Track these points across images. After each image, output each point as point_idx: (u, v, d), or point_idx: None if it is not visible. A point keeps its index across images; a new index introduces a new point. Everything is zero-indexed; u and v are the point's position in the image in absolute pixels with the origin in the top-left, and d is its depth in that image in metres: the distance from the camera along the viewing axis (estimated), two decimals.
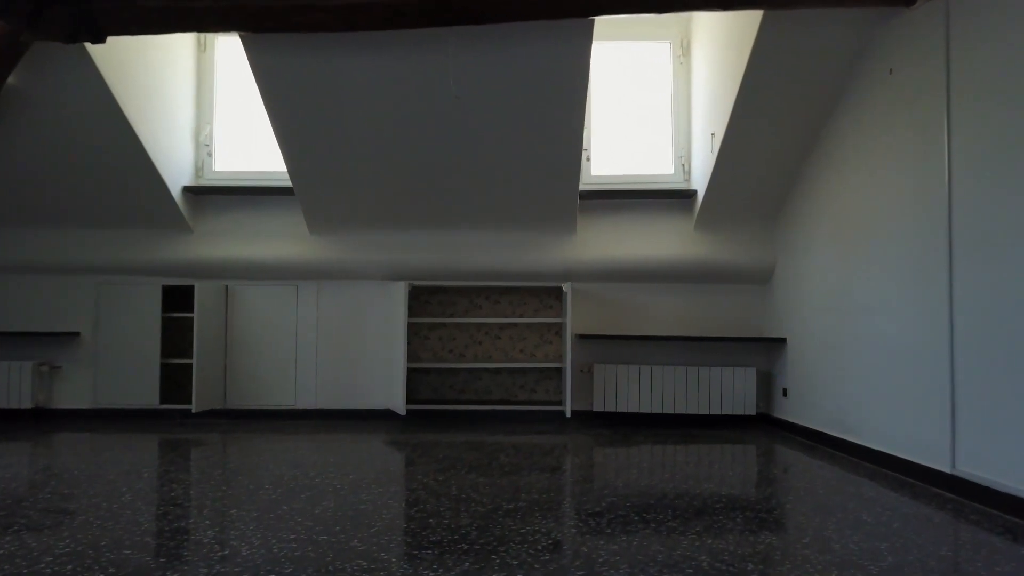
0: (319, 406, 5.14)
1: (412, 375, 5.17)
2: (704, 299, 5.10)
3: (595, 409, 4.90)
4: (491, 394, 5.18)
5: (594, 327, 5.10)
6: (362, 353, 5.16)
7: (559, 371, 5.18)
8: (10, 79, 4.17)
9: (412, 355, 5.17)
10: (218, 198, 5.15)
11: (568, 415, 4.79)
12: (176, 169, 4.92)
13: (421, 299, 5.20)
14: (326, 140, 4.38)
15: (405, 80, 4.01)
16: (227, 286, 5.16)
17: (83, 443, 4.10)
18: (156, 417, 5.01)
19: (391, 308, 5.06)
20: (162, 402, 5.07)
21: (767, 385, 4.95)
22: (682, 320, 5.10)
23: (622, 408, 4.87)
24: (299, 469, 3.34)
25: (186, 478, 3.20)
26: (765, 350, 4.98)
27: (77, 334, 5.13)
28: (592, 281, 5.09)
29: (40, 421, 4.96)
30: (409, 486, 3.03)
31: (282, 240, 5.10)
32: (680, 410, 4.83)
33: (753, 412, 4.80)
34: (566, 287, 4.81)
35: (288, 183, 4.87)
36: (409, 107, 4.16)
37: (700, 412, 4.82)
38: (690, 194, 4.91)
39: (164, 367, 5.13)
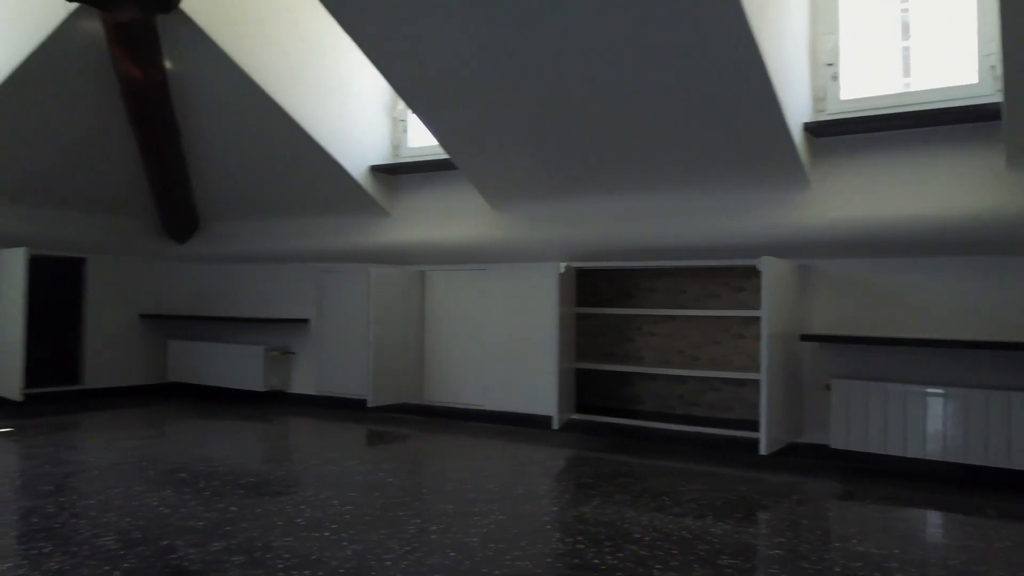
0: (487, 407, 4.98)
1: (578, 377, 4.51)
2: (1018, 282, 3.51)
3: (833, 445, 3.65)
4: (674, 408, 4.40)
5: (834, 324, 3.87)
6: (525, 349, 4.78)
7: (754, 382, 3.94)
8: (180, 72, 4.84)
9: (580, 354, 4.57)
10: (410, 177, 5.26)
11: (764, 451, 3.55)
12: (360, 152, 5.19)
13: (585, 286, 4.60)
14: (473, 106, 4.10)
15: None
16: (423, 271, 5.28)
17: (290, 430, 4.60)
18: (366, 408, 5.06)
19: (559, 296, 4.35)
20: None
21: None
22: (979, 316, 3.54)
23: (876, 448, 3.54)
24: (482, 492, 3.40)
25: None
26: None
27: (307, 321, 5.73)
28: (831, 256, 3.85)
29: (267, 404, 5.63)
30: (586, 524, 3.12)
31: (468, 219, 4.95)
32: (977, 459, 3.33)
33: None
34: (761, 264, 3.59)
35: None
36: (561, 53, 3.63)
37: (1013, 467, 3.28)
38: (994, 112, 3.34)
39: None
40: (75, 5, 4.25)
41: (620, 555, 2.38)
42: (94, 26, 4.51)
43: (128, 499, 2.94)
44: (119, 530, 2.55)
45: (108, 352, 5.98)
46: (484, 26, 3.58)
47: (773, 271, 3.63)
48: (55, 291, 5.68)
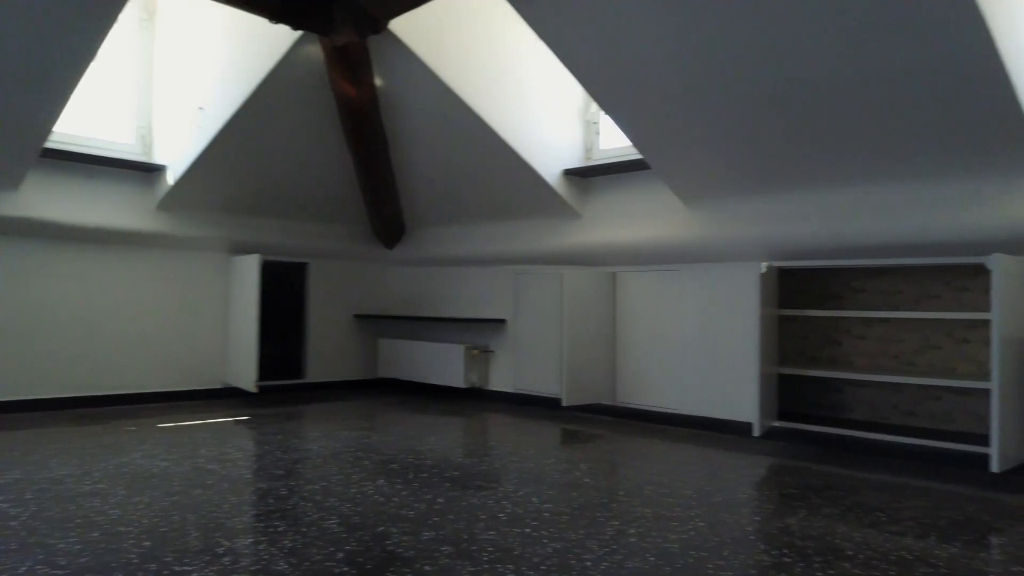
0: (681, 411, 4.91)
1: (780, 382, 4.36)
2: None
3: None
4: (888, 417, 4.12)
5: None
6: (722, 352, 4.70)
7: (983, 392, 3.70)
8: (388, 88, 5.05)
9: (782, 358, 4.44)
10: (602, 179, 5.35)
11: (996, 468, 3.27)
12: (554, 157, 5.34)
13: (787, 286, 4.50)
14: (668, 103, 4.05)
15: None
16: (615, 272, 5.33)
17: (489, 426, 4.82)
18: (559, 407, 5.25)
19: (760, 298, 4.18)
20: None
21: None
22: None
23: None
24: (680, 498, 3.53)
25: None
26: None
27: (503, 321, 5.96)
28: None
29: (467, 400, 5.91)
30: (792, 537, 3.05)
31: (660, 218, 4.91)
32: None
33: None
34: (991, 262, 3.32)
35: None
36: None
37: None
38: None
39: None
40: (300, 33, 4.69)
41: (831, 572, 2.26)
42: (315, 50, 4.96)
43: (347, 486, 3.20)
44: (341, 514, 2.78)
45: (327, 349, 6.54)
46: (679, 19, 3.53)
47: (1005, 269, 3.29)
48: (282, 293, 6.29)
